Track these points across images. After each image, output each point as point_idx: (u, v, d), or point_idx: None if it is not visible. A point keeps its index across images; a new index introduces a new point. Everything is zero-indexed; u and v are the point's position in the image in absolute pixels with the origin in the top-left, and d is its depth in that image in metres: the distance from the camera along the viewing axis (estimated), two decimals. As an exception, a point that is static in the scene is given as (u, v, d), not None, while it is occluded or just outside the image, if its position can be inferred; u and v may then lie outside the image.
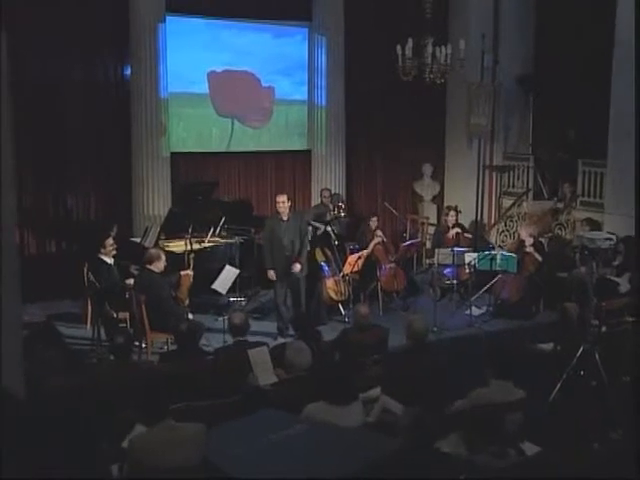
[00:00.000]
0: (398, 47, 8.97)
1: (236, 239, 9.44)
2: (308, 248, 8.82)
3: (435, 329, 8.32)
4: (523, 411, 4.67)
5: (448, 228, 10.35)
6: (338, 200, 10.77)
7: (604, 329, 6.60)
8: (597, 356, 6.18)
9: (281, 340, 7.69)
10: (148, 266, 7.62)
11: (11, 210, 3.55)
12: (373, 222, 9.97)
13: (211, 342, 7.63)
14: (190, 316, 7.87)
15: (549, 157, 11.76)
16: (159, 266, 7.65)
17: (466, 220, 11.27)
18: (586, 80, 10.94)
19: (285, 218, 8.30)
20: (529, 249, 9.28)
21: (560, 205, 11.03)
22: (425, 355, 5.74)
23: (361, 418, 4.38)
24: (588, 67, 10.84)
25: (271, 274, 8.31)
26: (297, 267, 8.31)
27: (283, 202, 8.29)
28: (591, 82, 10.77)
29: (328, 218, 9.92)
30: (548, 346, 6.81)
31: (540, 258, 9.29)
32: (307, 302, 8.57)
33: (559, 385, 6.05)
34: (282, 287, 8.38)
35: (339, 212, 10.14)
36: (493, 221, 12.10)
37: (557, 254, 9.98)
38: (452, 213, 10.43)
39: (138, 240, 9.27)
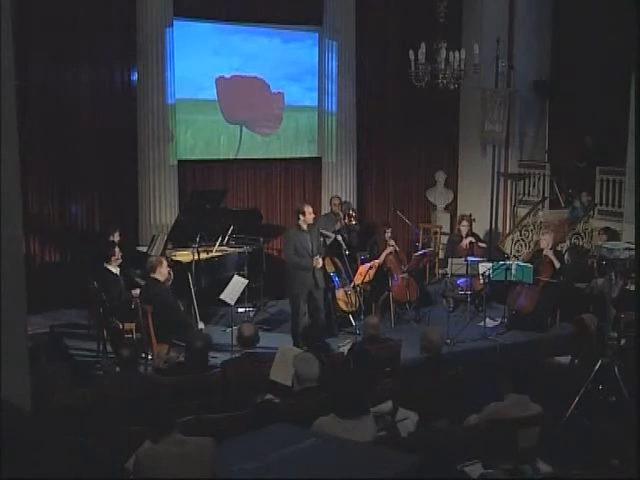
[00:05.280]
0: (411, 52, 8.99)
1: (245, 248, 9.48)
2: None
3: (448, 341, 8.30)
4: (539, 426, 4.66)
5: (462, 237, 10.34)
6: (348, 208, 10.79)
7: (623, 342, 6.58)
8: (616, 370, 6.16)
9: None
10: (153, 275, 7.66)
11: (17, 218, 3.59)
12: (387, 233, 9.99)
13: (218, 354, 7.63)
14: (201, 325, 7.91)
15: (566, 165, 11.76)
16: (162, 272, 7.69)
17: (480, 229, 11.27)
18: (604, 86, 10.94)
19: (306, 228, 8.33)
20: (548, 252, 9.27)
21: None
22: (440, 367, 5.74)
23: (373, 432, 4.39)
24: (606, 72, 10.83)
25: (319, 260, 8.30)
26: (320, 262, 8.34)
27: (310, 213, 8.32)
28: (609, 87, 10.77)
29: (338, 227, 9.93)
30: (565, 359, 6.79)
31: (558, 264, 9.26)
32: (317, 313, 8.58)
33: (577, 400, 6.03)
34: (305, 299, 8.36)
35: (350, 221, 10.15)
36: (508, 230, 12.08)
37: (575, 264, 9.95)
38: (465, 222, 10.44)
39: (144, 249, 9.30)
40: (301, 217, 8.27)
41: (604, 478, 4.08)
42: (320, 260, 8.35)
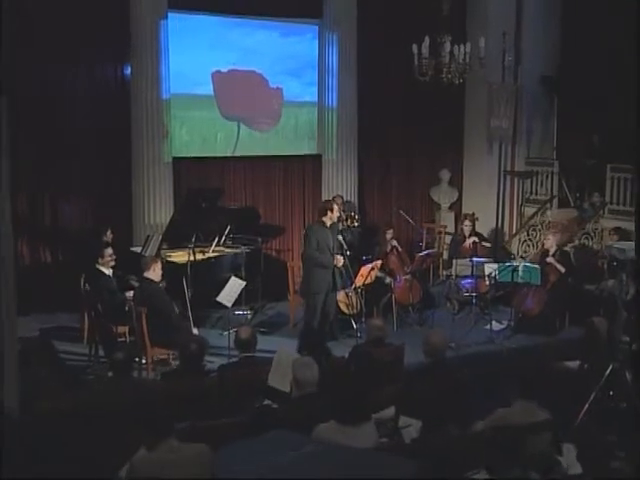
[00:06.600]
0: (414, 45, 9.01)
1: (242, 249, 9.47)
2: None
3: (453, 345, 8.28)
4: (548, 434, 4.65)
5: (464, 237, 10.35)
6: (351, 209, 10.80)
7: (635, 346, 6.56)
8: (628, 375, 6.14)
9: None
10: (146, 274, 7.65)
11: (7, 220, 3.60)
12: (389, 234, 10.01)
13: (215, 358, 7.63)
14: (195, 330, 7.89)
15: (574, 163, 11.75)
16: (156, 270, 7.67)
17: (486, 229, 11.27)
18: (613, 80, 10.93)
19: (329, 226, 8.45)
20: (550, 259, 9.28)
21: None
22: (444, 372, 5.73)
23: (374, 439, 4.38)
24: (615, 67, 10.82)
25: (339, 259, 8.47)
26: (341, 260, 8.46)
27: (337, 211, 8.51)
28: (619, 83, 10.76)
29: (340, 227, 9.92)
30: (574, 364, 6.76)
31: (563, 269, 9.26)
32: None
33: (586, 406, 6.01)
34: (322, 300, 8.47)
35: (352, 222, 10.15)
36: (514, 230, 12.08)
37: (584, 265, 9.95)
38: (468, 222, 10.46)
39: (138, 250, 9.29)
40: (328, 213, 8.41)
41: (604, 478, 4.08)
42: (341, 258, 8.44)
